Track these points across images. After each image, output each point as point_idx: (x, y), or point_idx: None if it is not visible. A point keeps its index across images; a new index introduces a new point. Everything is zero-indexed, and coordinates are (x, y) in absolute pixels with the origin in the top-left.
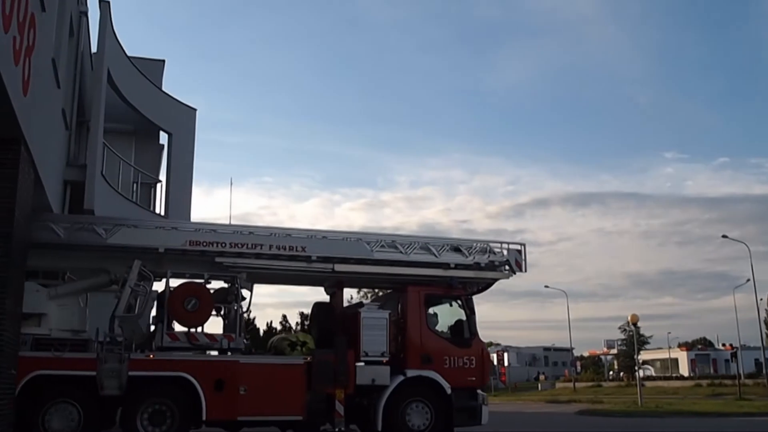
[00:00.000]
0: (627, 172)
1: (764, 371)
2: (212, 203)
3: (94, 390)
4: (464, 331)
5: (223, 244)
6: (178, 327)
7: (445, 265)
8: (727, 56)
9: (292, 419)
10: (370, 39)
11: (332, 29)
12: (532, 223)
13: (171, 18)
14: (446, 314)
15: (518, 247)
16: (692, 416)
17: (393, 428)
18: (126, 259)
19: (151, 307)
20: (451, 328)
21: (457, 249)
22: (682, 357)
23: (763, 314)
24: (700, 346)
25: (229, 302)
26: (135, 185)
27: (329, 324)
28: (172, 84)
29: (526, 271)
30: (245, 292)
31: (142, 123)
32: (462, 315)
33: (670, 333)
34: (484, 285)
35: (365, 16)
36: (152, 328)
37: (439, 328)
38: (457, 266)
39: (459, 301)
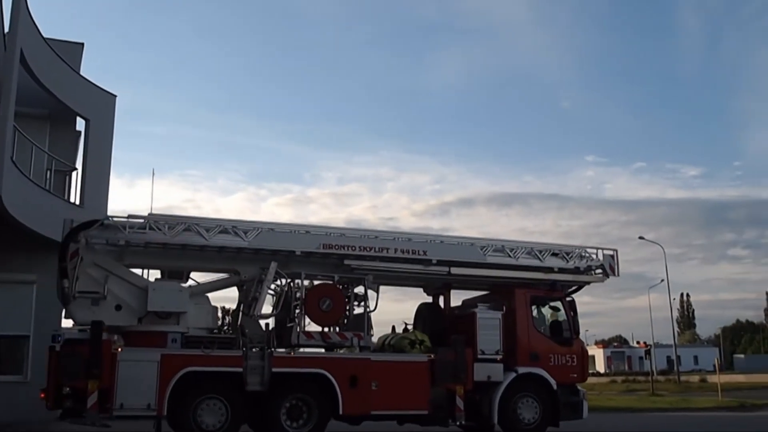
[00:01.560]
0: (550, 174)
1: (675, 368)
2: (134, 195)
3: (240, 386)
4: (564, 331)
5: (353, 248)
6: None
7: (549, 269)
8: (648, 65)
9: (418, 413)
10: (304, 34)
11: (266, 22)
12: (458, 222)
13: (98, 2)
14: (546, 315)
15: (611, 252)
16: (609, 412)
17: (506, 422)
18: (256, 260)
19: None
20: (551, 327)
21: (557, 254)
22: (599, 354)
23: (675, 313)
24: (615, 344)
25: (358, 301)
26: (49, 172)
27: (438, 323)
28: (97, 71)
29: (618, 275)
30: (371, 293)
31: (58, 107)
32: (561, 316)
33: (587, 331)
34: (577, 287)
35: (300, 10)
36: (271, 326)
37: (541, 327)
38: (560, 270)
39: (561, 303)
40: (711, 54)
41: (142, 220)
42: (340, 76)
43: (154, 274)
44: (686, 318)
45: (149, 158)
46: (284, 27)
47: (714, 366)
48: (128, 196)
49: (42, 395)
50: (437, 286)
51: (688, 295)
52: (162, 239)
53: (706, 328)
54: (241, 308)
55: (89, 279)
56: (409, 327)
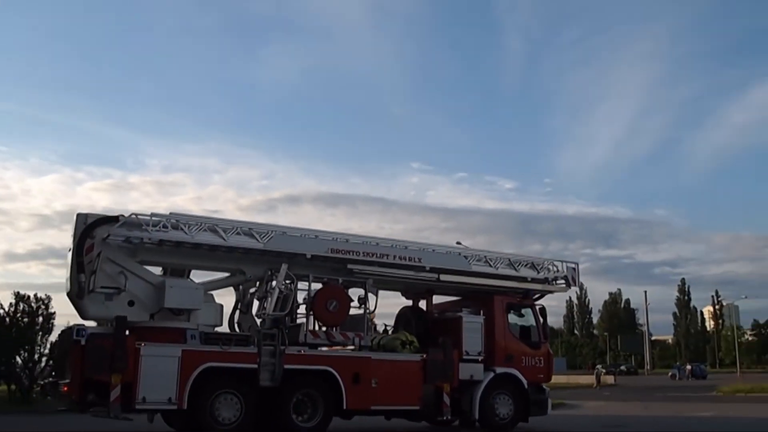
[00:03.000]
0: (377, 177)
1: None
2: None
3: (253, 381)
4: (533, 335)
5: (357, 253)
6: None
7: (523, 279)
8: (473, 80)
9: (411, 409)
10: (138, 16)
11: (98, 1)
12: (284, 219)
13: None
14: (517, 320)
15: (573, 265)
16: None
17: (484, 417)
18: (263, 261)
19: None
20: (521, 331)
21: (530, 265)
22: None
23: None
24: None
25: (359, 303)
26: None
27: (423, 326)
28: None
29: (578, 285)
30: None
31: None
32: (530, 321)
33: None
34: (541, 295)
35: None
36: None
37: (514, 332)
38: (533, 280)
39: (532, 310)
40: (530, 75)
41: (163, 219)
42: (172, 61)
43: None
44: None
45: None
46: (117, 7)
47: None
48: None
49: (65, 389)
50: (420, 291)
51: None
52: (184, 238)
53: None
54: (239, 306)
55: (104, 274)
56: (389, 329)
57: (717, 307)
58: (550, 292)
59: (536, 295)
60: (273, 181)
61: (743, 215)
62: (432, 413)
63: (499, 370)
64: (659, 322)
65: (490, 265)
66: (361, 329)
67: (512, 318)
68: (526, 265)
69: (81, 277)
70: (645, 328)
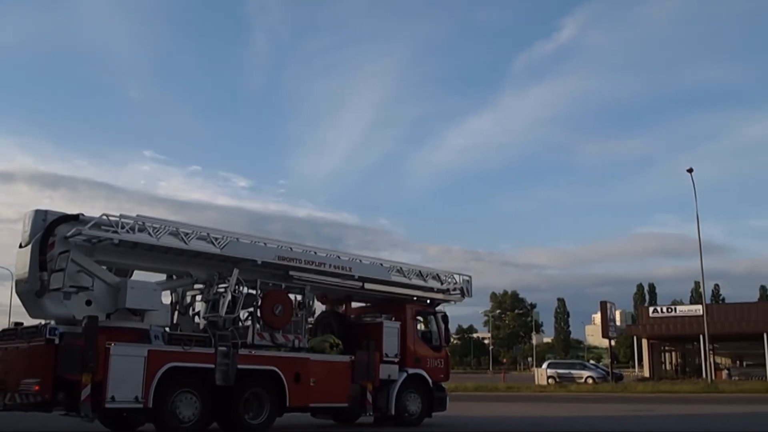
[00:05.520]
0: (105, 162)
1: None
2: None
3: (209, 381)
4: (435, 339)
5: (299, 261)
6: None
7: (430, 289)
8: (217, 74)
9: (340, 406)
10: None
11: None
12: None
13: None
14: (423, 326)
15: (467, 277)
16: None
17: (398, 413)
18: (210, 265)
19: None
20: (425, 336)
21: (435, 276)
22: None
23: None
24: None
25: (299, 308)
26: None
27: (343, 330)
28: None
29: (471, 296)
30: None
31: None
32: (433, 327)
33: None
34: (437, 304)
35: None
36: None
37: (420, 336)
38: (437, 290)
39: (434, 317)
40: (275, 77)
41: (131, 221)
42: None
43: None
44: None
45: None
46: None
47: None
48: None
49: (37, 388)
50: (340, 297)
51: None
52: (149, 241)
53: None
54: (177, 308)
55: (66, 273)
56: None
57: None
58: (449, 301)
59: (436, 304)
60: None
61: (454, 230)
62: (357, 410)
63: (411, 370)
64: None
65: (405, 276)
66: (299, 332)
67: (419, 324)
68: (432, 277)
69: (43, 275)
70: None
